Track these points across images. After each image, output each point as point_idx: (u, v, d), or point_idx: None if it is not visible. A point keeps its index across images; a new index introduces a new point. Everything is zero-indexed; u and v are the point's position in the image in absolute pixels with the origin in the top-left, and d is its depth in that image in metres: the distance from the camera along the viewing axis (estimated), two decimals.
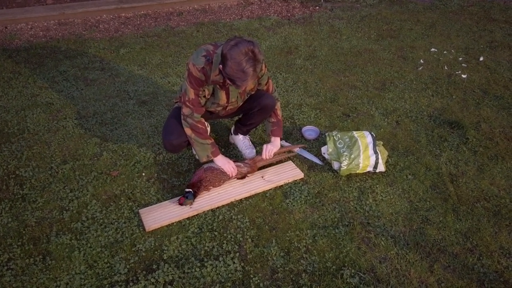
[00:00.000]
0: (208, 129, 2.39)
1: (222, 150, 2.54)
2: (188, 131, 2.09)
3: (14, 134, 2.66)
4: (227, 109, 2.22)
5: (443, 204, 2.15)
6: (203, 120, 2.11)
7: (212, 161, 2.19)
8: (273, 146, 2.33)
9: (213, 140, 2.15)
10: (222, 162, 2.18)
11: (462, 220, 2.05)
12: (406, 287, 1.73)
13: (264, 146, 2.33)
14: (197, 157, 2.22)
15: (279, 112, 2.33)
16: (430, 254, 1.88)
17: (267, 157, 2.32)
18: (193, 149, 2.22)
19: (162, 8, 4.85)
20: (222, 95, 2.10)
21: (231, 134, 2.58)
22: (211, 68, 1.97)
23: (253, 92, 2.24)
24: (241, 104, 2.25)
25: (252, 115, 2.31)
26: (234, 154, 2.52)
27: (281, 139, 2.39)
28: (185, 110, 2.07)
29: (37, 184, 2.26)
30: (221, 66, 1.86)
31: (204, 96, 2.09)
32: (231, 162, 2.21)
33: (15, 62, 3.56)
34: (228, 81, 1.90)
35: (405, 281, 1.75)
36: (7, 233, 1.96)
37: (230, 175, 2.20)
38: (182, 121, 2.09)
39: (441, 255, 1.87)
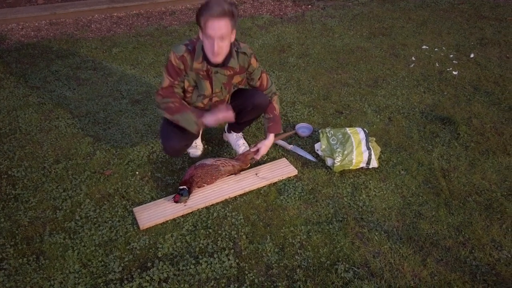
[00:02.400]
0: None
1: (216, 148, 2.54)
2: (167, 115, 2.05)
3: (6, 134, 2.65)
4: (213, 101, 2.18)
5: (436, 198, 2.17)
6: (173, 98, 2.03)
7: (210, 159, 2.18)
8: (266, 146, 2.30)
9: (190, 107, 2.08)
10: (211, 118, 2.07)
11: (454, 214, 2.08)
12: (400, 280, 1.75)
13: (260, 146, 2.28)
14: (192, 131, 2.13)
15: (275, 106, 2.26)
16: (423, 248, 1.90)
17: (259, 158, 2.30)
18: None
19: (155, 8, 4.84)
20: (206, 85, 2.08)
21: (225, 132, 2.58)
22: (193, 57, 1.97)
23: (241, 85, 2.22)
24: (226, 95, 2.21)
25: (245, 113, 2.31)
26: (227, 152, 2.53)
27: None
28: (157, 99, 2.05)
29: (29, 184, 2.24)
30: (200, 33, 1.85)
31: (183, 88, 2.08)
32: (222, 111, 2.08)
33: (6, 63, 3.53)
34: (202, 35, 1.87)
35: (398, 274, 1.77)
36: (0, 233, 1.95)
37: (223, 118, 2.09)
38: (158, 110, 2.07)
39: (433, 249, 1.89)
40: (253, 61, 2.10)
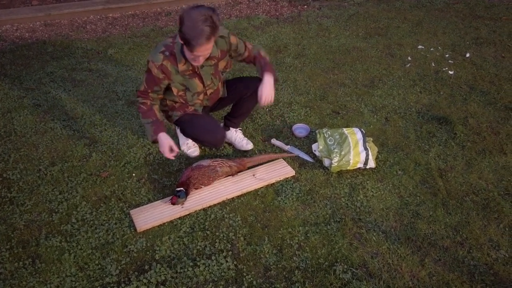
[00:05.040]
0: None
1: (213, 150, 2.53)
2: (140, 117, 2.13)
3: (1, 136, 2.62)
4: (208, 94, 2.19)
5: (433, 198, 2.17)
6: (144, 99, 2.08)
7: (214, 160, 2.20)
8: (266, 86, 2.07)
9: (156, 118, 2.06)
10: (160, 141, 2.04)
11: (452, 214, 2.08)
12: (398, 281, 1.74)
13: (259, 91, 2.07)
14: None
15: (264, 55, 2.18)
16: (421, 248, 1.90)
17: (267, 103, 2.08)
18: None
19: (150, 8, 4.82)
20: (197, 82, 2.09)
21: None
22: (173, 62, 1.97)
23: (228, 70, 2.22)
24: (218, 84, 2.20)
25: (244, 101, 2.32)
26: (225, 152, 2.52)
27: (275, 80, 2.15)
28: (137, 98, 2.11)
29: (25, 187, 2.23)
30: (179, 34, 1.84)
31: (177, 94, 2.10)
32: (168, 144, 2.03)
33: (1, 64, 3.50)
34: (186, 48, 1.86)
35: (396, 275, 1.77)
36: None
37: (163, 153, 2.06)
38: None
39: (431, 249, 1.89)
40: (232, 39, 2.08)
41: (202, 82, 2.10)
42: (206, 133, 2.18)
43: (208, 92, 2.18)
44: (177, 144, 2.46)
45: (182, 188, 2.07)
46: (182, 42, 1.83)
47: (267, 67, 2.15)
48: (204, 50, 1.84)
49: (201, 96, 2.17)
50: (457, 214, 2.08)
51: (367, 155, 2.30)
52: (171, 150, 2.06)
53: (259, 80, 2.15)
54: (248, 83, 2.27)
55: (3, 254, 1.85)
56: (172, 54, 1.96)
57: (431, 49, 3.84)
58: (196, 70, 2.04)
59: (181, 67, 1.99)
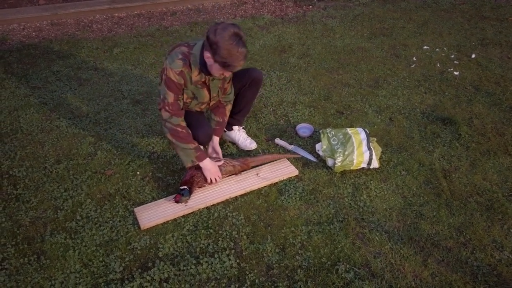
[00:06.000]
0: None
1: None
2: (168, 136, 2.06)
3: (7, 134, 2.65)
4: (210, 104, 2.24)
5: (437, 199, 2.17)
6: (183, 123, 2.06)
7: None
8: (215, 148, 2.33)
9: (197, 144, 2.10)
10: (208, 168, 2.13)
11: (455, 215, 2.07)
12: (401, 281, 1.74)
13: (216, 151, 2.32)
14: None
15: (227, 113, 2.35)
16: (424, 248, 1.90)
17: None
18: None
19: (156, 8, 4.84)
20: (205, 93, 2.12)
21: (224, 131, 2.57)
22: (190, 71, 1.98)
23: (227, 83, 2.25)
24: (222, 96, 2.26)
25: (244, 91, 2.34)
26: (229, 151, 2.52)
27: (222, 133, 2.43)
28: (164, 115, 2.04)
29: (31, 184, 2.25)
30: (208, 54, 1.84)
31: (182, 99, 2.09)
32: (218, 170, 2.18)
33: (7, 63, 3.54)
34: (219, 67, 1.88)
35: (399, 275, 1.77)
36: (1, 233, 1.95)
37: (209, 183, 2.18)
38: (163, 127, 2.08)
39: (434, 249, 1.89)
40: None
41: (210, 94, 2.14)
42: (193, 127, 2.14)
43: (212, 103, 2.23)
44: None
45: (185, 187, 2.08)
46: (219, 65, 1.86)
47: (220, 130, 2.35)
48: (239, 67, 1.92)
49: (203, 106, 2.21)
50: (460, 214, 2.07)
51: (371, 155, 2.30)
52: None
53: (255, 69, 2.33)
54: (245, 73, 2.30)
55: (8, 250, 1.87)
56: (188, 63, 1.97)
57: (437, 49, 3.83)
58: (206, 81, 2.06)
59: (195, 77, 2.01)
